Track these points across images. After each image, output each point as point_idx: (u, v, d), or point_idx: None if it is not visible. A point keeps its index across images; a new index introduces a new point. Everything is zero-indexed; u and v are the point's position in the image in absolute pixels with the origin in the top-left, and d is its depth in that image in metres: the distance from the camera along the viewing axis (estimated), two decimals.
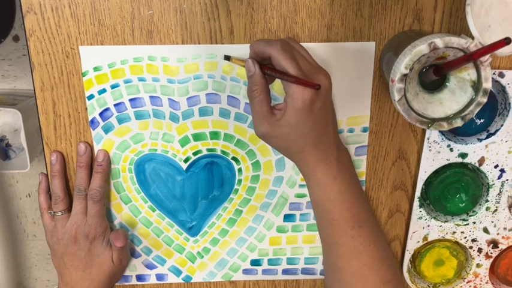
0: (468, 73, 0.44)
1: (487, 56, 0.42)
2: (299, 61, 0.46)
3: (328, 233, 0.51)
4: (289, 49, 0.46)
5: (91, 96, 0.54)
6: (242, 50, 0.53)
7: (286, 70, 0.45)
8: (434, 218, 0.59)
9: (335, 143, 0.50)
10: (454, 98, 0.45)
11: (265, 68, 0.48)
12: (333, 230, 0.50)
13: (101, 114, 0.55)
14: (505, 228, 0.59)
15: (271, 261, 0.62)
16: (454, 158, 0.56)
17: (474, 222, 0.59)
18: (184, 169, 0.58)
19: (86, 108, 0.55)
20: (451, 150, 0.55)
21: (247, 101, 0.55)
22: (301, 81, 0.44)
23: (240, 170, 0.58)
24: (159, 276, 0.62)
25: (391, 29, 0.52)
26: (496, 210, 0.58)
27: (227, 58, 0.51)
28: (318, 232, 0.60)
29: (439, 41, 0.42)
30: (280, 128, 0.46)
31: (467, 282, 0.62)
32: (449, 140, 0.55)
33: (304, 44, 0.53)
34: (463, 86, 0.45)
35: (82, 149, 0.55)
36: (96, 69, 0.53)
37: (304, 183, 0.58)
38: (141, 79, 0.54)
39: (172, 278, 0.63)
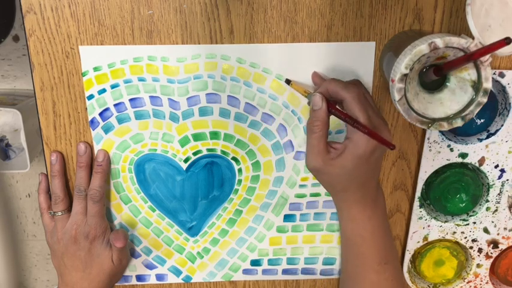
0: (468, 73, 0.44)
1: (487, 56, 0.42)
2: (369, 112, 0.47)
3: (355, 265, 0.53)
4: (364, 99, 0.48)
5: (91, 96, 0.54)
6: (242, 50, 0.53)
7: (359, 119, 0.46)
8: (435, 218, 0.59)
9: (376, 186, 0.52)
10: (454, 98, 0.45)
11: (334, 108, 0.49)
12: (359, 263, 0.53)
13: (100, 114, 0.55)
14: (505, 228, 0.59)
15: (271, 261, 0.62)
16: (454, 158, 0.56)
17: (474, 222, 0.59)
18: (184, 169, 0.58)
19: (86, 108, 0.55)
20: (451, 150, 0.55)
21: (247, 101, 0.55)
22: (377, 136, 0.46)
23: (240, 170, 0.58)
24: (159, 277, 0.62)
25: (391, 29, 0.52)
26: (496, 210, 0.58)
27: (287, 82, 0.53)
28: (318, 232, 0.60)
29: (439, 41, 0.42)
30: (333, 167, 0.48)
31: (467, 283, 0.62)
32: (450, 140, 0.55)
33: (304, 44, 0.53)
34: (463, 86, 0.45)
35: (82, 149, 0.55)
36: (96, 69, 0.53)
37: (304, 183, 0.58)
38: (141, 79, 0.54)
39: (172, 278, 0.63)
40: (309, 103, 0.53)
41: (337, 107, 0.49)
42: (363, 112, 0.47)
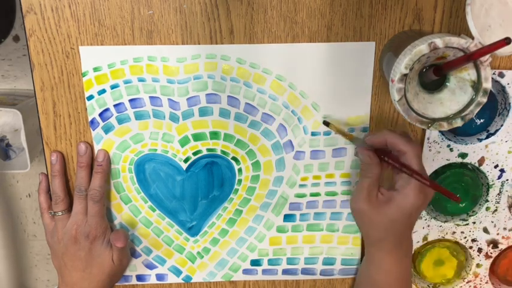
0: (468, 73, 0.44)
1: (487, 56, 0.42)
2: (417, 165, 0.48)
3: None
4: (421, 153, 0.49)
5: (91, 97, 0.54)
6: (242, 50, 0.53)
7: (416, 169, 0.47)
8: (434, 218, 0.59)
9: (408, 241, 0.53)
10: (454, 98, 0.45)
11: (391, 158, 0.49)
12: None
13: (100, 114, 0.55)
14: (505, 228, 0.59)
15: (271, 261, 0.62)
16: (454, 158, 0.56)
17: (474, 222, 0.59)
18: (184, 169, 0.58)
19: (86, 108, 0.55)
20: (451, 150, 0.55)
21: (247, 101, 0.55)
22: (441, 189, 0.47)
23: (240, 170, 0.58)
24: (159, 276, 0.62)
25: (391, 29, 0.52)
26: (496, 210, 0.58)
27: (326, 124, 0.54)
28: (318, 232, 0.60)
29: (439, 41, 0.42)
30: (377, 214, 0.49)
31: (467, 282, 0.62)
32: (449, 140, 0.55)
33: (304, 44, 0.53)
34: (463, 86, 0.45)
35: (82, 149, 0.55)
36: (95, 69, 0.53)
37: (304, 183, 0.58)
38: (141, 79, 0.54)
39: (172, 278, 0.63)
40: (355, 150, 0.54)
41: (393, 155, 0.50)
42: (422, 167, 0.48)
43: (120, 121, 0.55)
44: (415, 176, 0.47)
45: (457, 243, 0.60)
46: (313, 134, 0.56)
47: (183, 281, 0.63)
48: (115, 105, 0.55)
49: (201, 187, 0.58)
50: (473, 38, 0.43)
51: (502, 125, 0.55)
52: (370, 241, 0.53)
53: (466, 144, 0.55)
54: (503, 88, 0.54)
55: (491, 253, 0.60)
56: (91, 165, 0.56)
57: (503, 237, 0.60)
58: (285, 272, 0.62)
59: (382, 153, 0.50)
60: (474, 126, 0.56)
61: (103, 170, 0.56)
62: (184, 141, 0.56)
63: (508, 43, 0.37)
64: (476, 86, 0.44)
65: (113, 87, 0.54)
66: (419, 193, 0.47)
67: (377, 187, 0.50)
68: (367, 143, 0.51)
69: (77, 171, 0.56)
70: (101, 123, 0.55)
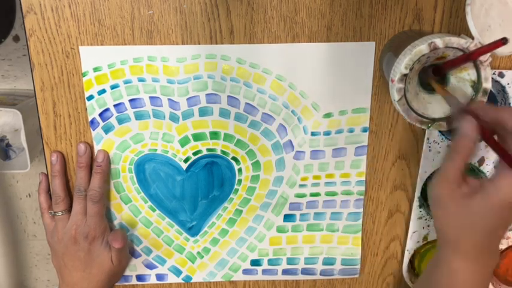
0: (468, 73, 0.44)
1: (487, 56, 0.42)
2: None
3: None
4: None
5: (91, 97, 0.54)
6: (242, 50, 0.53)
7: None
8: None
9: (497, 245, 0.43)
10: None
11: (490, 140, 0.40)
12: None
13: (100, 114, 0.55)
14: None
15: (271, 261, 0.62)
16: None
17: None
18: (184, 169, 0.58)
19: (86, 108, 0.55)
20: None
21: (248, 101, 0.55)
22: None
23: (240, 170, 0.58)
24: (159, 276, 0.63)
25: (391, 29, 0.52)
26: None
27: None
28: (317, 232, 0.60)
29: (439, 41, 0.42)
30: (457, 205, 0.40)
31: None
32: (449, 140, 0.55)
33: (304, 44, 0.53)
34: (463, 86, 0.45)
35: (82, 149, 0.55)
36: (96, 69, 0.53)
37: (304, 183, 0.58)
38: (141, 79, 0.54)
39: (172, 278, 0.63)
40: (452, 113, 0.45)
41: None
42: None
43: (120, 121, 0.55)
44: (508, 160, 0.38)
45: None
46: (313, 134, 0.56)
47: (183, 281, 0.63)
48: (115, 105, 0.55)
49: (201, 187, 0.58)
50: (473, 38, 0.43)
51: None
52: (443, 240, 0.43)
53: None
54: (503, 88, 0.54)
55: None
56: (91, 166, 0.56)
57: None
58: (285, 272, 0.62)
59: (485, 134, 0.40)
60: None
61: (102, 170, 0.56)
62: (184, 141, 0.56)
63: (504, 43, 0.37)
64: (476, 86, 0.44)
65: (113, 87, 0.54)
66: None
67: (463, 172, 0.40)
68: (474, 111, 0.41)
69: (76, 171, 0.56)
70: (101, 123, 0.55)
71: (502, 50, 0.41)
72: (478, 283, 0.43)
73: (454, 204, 0.40)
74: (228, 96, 0.55)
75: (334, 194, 0.59)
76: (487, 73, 0.43)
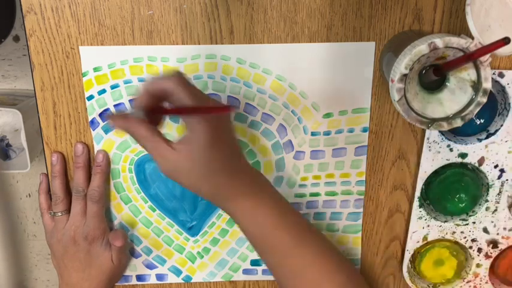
0: (468, 73, 0.44)
1: (487, 56, 0.42)
2: (196, 95, 0.43)
3: (271, 259, 0.49)
4: (187, 82, 0.43)
5: (91, 97, 0.54)
6: (242, 50, 0.53)
7: (188, 103, 0.42)
8: (434, 218, 0.59)
9: (249, 172, 0.48)
10: (454, 98, 0.45)
11: (160, 111, 0.44)
12: (274, 255, 0.49)
13: (100, 114, 0.55)
14: (504, 228, 0.59)
15: None
16: (453, 158, 0.56)
17: (474, 222, 0.59)
18: None
19: (86, 108, 0.55)
20: (451, 150, 0.55)
21: (248, 101, 0.55)
22: (208, 109, 0.42)
23: None
24: (159, 276, 0.63)
25: (391, 29, 0.52)
26: (495, 210, 0.58)
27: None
28: None
29: (439, 41, 0.42)
30: (187, 163, 0.43)
31: (467, 282, 0.62)
32: (449, 140, 0.55)
33: (304, 44, 0.53)
34: (462, 86, 0.45)
35: (79, 149, 0.55)
36: (96, 69, 0.53)
37: (304, 183, 0.58)
38: (141, 80, 0.54)
39: (172, 278, 0.63)
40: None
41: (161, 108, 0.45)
42: (188, 93, 0.42)
43: None
44: (182, 111, 0.42)
45: (457, 243, 0.60)
46: (313, 134, 0.56)
47: (183, 281, 0.63)
48: (115, 105, 0.55)
49: None
50: (473, 38, 0.43)
51: (502, 125, 0.55)
52: (210, 198, 0.47)
53: (466, 144, 0.55)
54: (503, 88, 0.54)
55: (491, 253, 0.60)
56: (89, 166, 0.56)
57: (503, 237, 0.60)
58: None
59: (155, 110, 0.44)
60: (474, 126, 0.56)
61: (102, 170, 0.56)
62: None
63: (507, 43, 0.37)
64: (476, 86, 0.44)
65: (113, 87, 0.54)
66: (204, 123, 0.42)
67: (165, 145, 0.43)
68: (140, 103, 0.43)
69: (74, 171, 0.56)
70: (101, 123, 0.55)
71: (502, 50, 0.41)
72: (269, 212, 0.47)
73: (181, 164, 0.43)
74: (228, 96, 0.55)
75: (334, 194, 0.59)
76: (487, 73, 0.43)
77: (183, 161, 0.43)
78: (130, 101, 0.55)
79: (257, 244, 0.49)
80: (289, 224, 0.49)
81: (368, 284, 0.57)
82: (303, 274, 0.49)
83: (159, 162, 0.44)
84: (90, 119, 0.55)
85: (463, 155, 0.56)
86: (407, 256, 0.60)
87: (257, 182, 0.48)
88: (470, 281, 0.62)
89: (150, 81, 0.43)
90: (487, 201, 0.58)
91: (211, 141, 0.42)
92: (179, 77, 0.43)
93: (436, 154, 0.55)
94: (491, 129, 0.55)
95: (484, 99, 0.44)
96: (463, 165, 0.57)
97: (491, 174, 0.57)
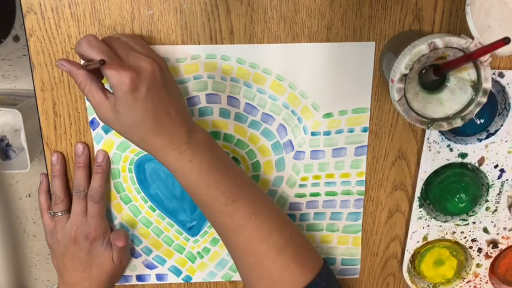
0: (468, 73, 0.44)
1: (487, 56, 0.42)
2: (117, 49, 0.46)
3: (208, 216, 0.50)
4: (95, 40, 0.46)
5: None
6: (242, 50, 0.53)
7: (92, 58, 0.45)
8: (434, 218, 0.59)
9: (183, 126, 0.48)
10: (454, 98, 0.45)
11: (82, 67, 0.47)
12: (209, 212, 0.49)
13: None
14: (504, 228, 0.59)
15: None
16: (453, 158, 0.56)
17: (474, 222, 0.59)
18: None
19: (86, 108, 0.55)
20: (451, 150, 0.55)
21: (247, 101, 0.55)
22: (93, 62, 0.44)
23: None
24: (159, 276, 0.62)
25: (391, 29, 0.52)
26: (495, 210, 0.58)
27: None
28: (317, 232, 0.60)
29: (439, 41, 0.42)
30: (114, 114, 0.46)
31: (467, 282, 0.62)
32: (449, 140, 0.55)
33: (304, 44, 0.53)
34: (462, 86, 0.45)
35: (80, 149, 0.55)
36: None
37: (304, 183, 0.58)
38: None
39: (172, 278, 0.63)
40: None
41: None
42: (93, 49, 0.45)
43: None
44: (93, 64, 0.44)
45: (457, 243, 0.60)
46: (313, 134, 0.56)
47: (183, 281, 0.63)
48: None
49: None
50: (473, 38, 0.43)
51: (502, 125, 0.55)
52: (141, 147, 0.49)
53: (466, 144, 0.55)
54: (503, 88, 0.54)
55: (491, 253, 0.60)
56: (89, 166, 0.56)
57: (503, 237, 0.60)
58: None
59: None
60: (474, 126, 0.56)
61: (102, 170, 0.56)
62: None
63: (507, 43, 0.37)
64: (476, 86, 0.44)
65: None
66: (117, 75, 0.44)
67: (100, 92, 0.46)
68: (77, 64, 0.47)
69: (74, 171, 0.56)
70: (101, 123, 0.55)
71: (502, 50, 0.41)
72: (204, 165, 0.48)
73: (113, 116, 0.47)
74: (228, 96, 0.55)
75: (334, 194, 0.59)
76: (487, 73, 0.43)
77: (110, 110, 0.47)
78: None
79: (193, 200, 0.50)
80: (220, 181, 0.48)
81: (368, 284, 0.57)
82: (238, 234, 0.49)
83: (94, 108, 0.47)
84: (90, 119, 0.55)
85: (463, 155, 0.56)
86: (407, 256, 0.60)
87: (190, 138, 0.48)
88: (470, 281, 0.62)
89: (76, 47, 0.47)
90: (487, 201, 0.58)
91: (127, 96, 0.45)
92: (87, 39, 0.46)
93: (436, 154, 0.55)
94: (491, 129, 0.55)
95: (484, 99, 0.44)
96: (463, 165, 0.57)
97: (491, 174, 0.57)
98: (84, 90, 0.47)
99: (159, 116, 0.47)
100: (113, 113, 0.46)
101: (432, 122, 0.45)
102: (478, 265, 0.61)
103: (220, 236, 0.51)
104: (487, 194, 0.58)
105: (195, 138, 0.49)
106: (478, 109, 0.45)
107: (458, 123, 0.45)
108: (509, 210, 0.59)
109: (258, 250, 0.49)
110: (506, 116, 0.54)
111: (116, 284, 0.61)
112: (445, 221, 0.59)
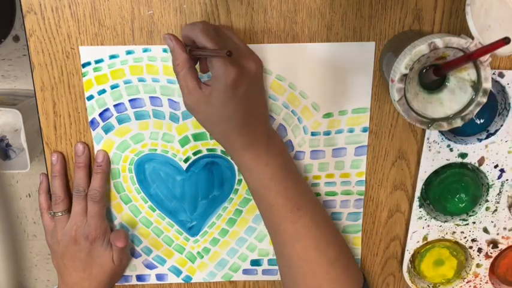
0: (468, 73, 0.44)
1: (487, 56, 0.42)
2: (227, 44, 0.47)
3: (269, 219, 0.51)
4: (211, 29, 0.46)
5: (91, 97, 0.54)
6: None
7: (205, 45, 0.45)
8: (434, 218, 0.59)
9: (264, 129, 0.49)
10: (454, 98, 0.45)
11: (188, 50, 0.48)
12: (272, 216, 0.50)
13: (100, 114, 0.55)
14: (504, 228, 0.59)
15: (271, 261, 0.62)
16: (453, 158, 0.56)
17: (474, 222, 0.59)
18: (184, 169, 0.58)
19: (86, 109, 0.55)
20: (451, 150, 0.55)
21: None
22: (212, 51, 0.44)
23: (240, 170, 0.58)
24: (159, 276, 0.63)
25: (391, 29, 0.52)
26: (495, 210, 0.58)
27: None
28: None
29: (439, 41, 0.42)
30: (205, 105, 0.47)
31: (467, 282, 0.62)
32: (449, 140, 0.55)
33: (304, 44, 0.53)
34: (462, 86, 0.45)
35: (80, 149, 0.55)
36: (95, 69, 0.53)
37: None
38: (141, 80, 0.54)
39: (172, 278, 0.63)
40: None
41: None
42: (207, 38, 0.45)
43: (120, 121, 0.55)
44: (210, 53, 0.45)
45: (457, 243, 0.60)
46: (313, 134, 0.56)
47: (183, 281, 0.63)
48: (115, 105, 0.55)
49: (201, 187, 0.58)
50: (473, 38, 0.43)
51: (502, 125, 0.55)
52: (220, 142, 0.49)
53: (466, 144, 0.55)
54: (503, 88, 0.54)
55: (491, 253, 0.60)
56: (89, 166, 0.56)
57: (503, 237, 0.60)
58: None
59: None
60: (474, 126, 0.56)
61: (102, 170, 0.56)
62: (184, 141, 0.56)
63: (507, 43, 0.37)
64: (476, 86, 0.44)
65: (113, 87, 0.54)
66: (226, 69, 0.44)
67: (195, 80, 0.47)
68: (180, 42, 0.48)
69: (75, 171, 0.56)
70: (101, 123, 0.55)
71: (502, 50, 0.41)
72: (278, 171, 0.49)
73: (202, 104, 0.46)
74: None
75: (334, 194, 0.59)
76: (487, 73, 0.43)
77: (202, 101, 0.46)
78: (130, 101, 0.55)
79: (256, 200, 0.51)
80: (289, 188, 0.49)
81: (368, 284, 0.57)
82: (296, 241, 0.50)
83: (183, 93, 0.47)
84: (90, 119, 0.55)
85: (463, 155, 0.56)
86: (407, 256, 0.60)
87: (268, 142, 0.49)
88: (470, 281, 0.62)
89: (184, 28, 0.48)
90: (487, 201, 0.58)
91: (228, 91, 0.45)
92: (203, 25, 0.46)
93: (436, 154, 0.55)
94: (491, 129, 0.55)
95: (484, 99, 0.44)
96: (463, 165, 0.57)
97: (491, 174, 0.57)
98: (180, 74, 0.47)
99: (248, 116, 0.47)
100: (205, 104, 0.46)
101: (432, 122, 0.45)
102: (478, 265, 0.61)
103: (274, 241, 0.52)
104: (487, 194, 0.58)
105: (273, 142, 0.50)
106: (478, 109, 0.45)
107: (458, 123, 0.45)
108: (509, 210, 0.59)
109: (314, 259, 0.50)
110: (506, 116, 0.54)
111: (116, 284, 0.61)
112: (445, 221, 0.59)
